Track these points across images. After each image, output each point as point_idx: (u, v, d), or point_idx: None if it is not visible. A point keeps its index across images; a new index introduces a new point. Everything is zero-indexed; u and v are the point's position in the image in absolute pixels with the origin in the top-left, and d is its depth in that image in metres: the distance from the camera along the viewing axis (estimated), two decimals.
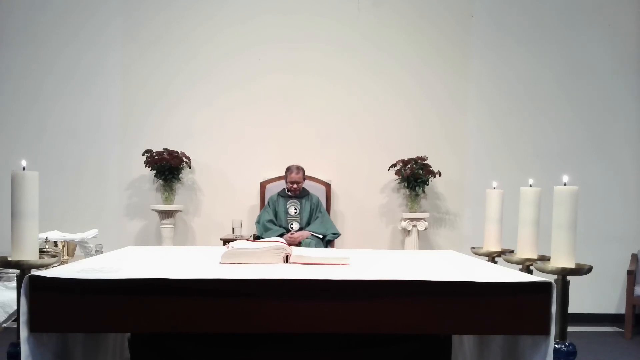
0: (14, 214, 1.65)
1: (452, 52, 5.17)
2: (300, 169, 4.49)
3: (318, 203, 4.56)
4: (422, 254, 2.67)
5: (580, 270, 1.77)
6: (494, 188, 2.38)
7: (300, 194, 4.53)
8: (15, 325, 1.58)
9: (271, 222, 4.41)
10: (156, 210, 4.81)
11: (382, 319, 1.64)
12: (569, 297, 1.75)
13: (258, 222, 4.45)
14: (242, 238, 4.32)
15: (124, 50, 5.00)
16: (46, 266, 1.68)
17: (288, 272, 1.71)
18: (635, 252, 5.10)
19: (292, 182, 4.46)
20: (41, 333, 1.62)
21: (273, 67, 5.04)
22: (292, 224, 4.44)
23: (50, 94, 4.96)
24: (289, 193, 4.52)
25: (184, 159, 4.82)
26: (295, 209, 4.49)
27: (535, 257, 2.08)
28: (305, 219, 4.45)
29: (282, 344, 1.89)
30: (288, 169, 4.52)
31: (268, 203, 4.54)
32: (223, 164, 5.05)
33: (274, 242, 2.06)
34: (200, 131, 5.02)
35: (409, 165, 4.86)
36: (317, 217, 4.47)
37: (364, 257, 2.32)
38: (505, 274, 1.81)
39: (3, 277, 2.69)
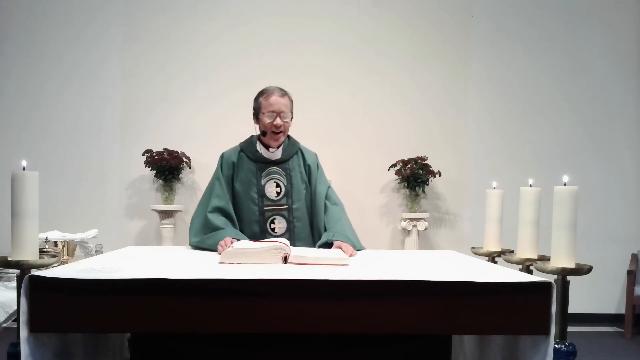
0: (14, 214, 1.64)
1: (451, 52, 5.17)
2: (285, 93, 2.56)
3: (317, 167, 2.64)
4: (422, 254, 2.67)
5: (580, 270, 1.77)
6: (494, 188, 2.38)
7: (284, 152, 2.58)
8: (15, 325, 1.58)
9: (216, 221, 2.41)
10: (156, 210, 4.81)
11: (382, 319, 1.64)
12: (569, 297, 1.75)
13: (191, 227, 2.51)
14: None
15: (124, 52, 5.01)
16: (46, 266, 1.68)
17: (288, 272, 1.71)
18: (635, 252, 5.10)
19: (274, 115, 2.46)
20: (41, 333, 1.62)
21: (273, 68, 5.04)
22: (273, 219, 2.50)
23: (51, 96, 4.97)
24: (267, 149, 2.54)
25: (184, 159, 4.82)
26: (278, 185, 2.53)
27: (535, 257, 2.08)
28: (300, 208, 2.54)
29: (282, 344, 1.89)
30: (262, 92, 2.56)
31: (219, 170, 2.59)
32: None
33: (273, 242, 2.06)
34: (200, 131, 5.02)
35: (409, 166, 4.86)
36: (327, 206, 2.54)
37: (364, 257, 2.32)
38: (505, 274, 1.80)
39: (3, 277, 2.69)
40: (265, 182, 2.53)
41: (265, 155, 2.56)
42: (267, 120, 2.49)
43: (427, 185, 4.92)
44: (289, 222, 2.52)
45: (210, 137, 5.03)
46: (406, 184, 4.91)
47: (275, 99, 2.49)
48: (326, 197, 2.60)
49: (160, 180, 4.83)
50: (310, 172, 2.61)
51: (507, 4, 5.20)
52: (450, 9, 5.16)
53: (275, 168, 2.54)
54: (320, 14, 5.09)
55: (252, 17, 5.05)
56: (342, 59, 5.08)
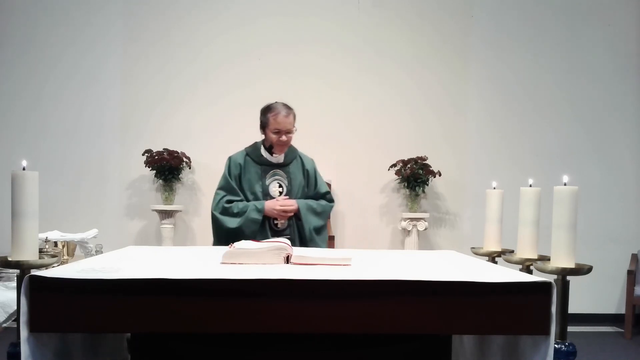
0: (14, 214, 1.64)
1: (451, 52, 5.18)
2: (291, 111, 2.83)
3: (314, 172, 2.98)
4: (422, 254, 2.67)
5: (580, 270, 1.76)
6: (494, 188, 2.38)
7: (286, 157, 2.92)
8: (15, 325, 1.58)
9: (230, 204, 2.78)
10: (156, 210, 4.81)
11: (382, 319, 1.64)
12: (569, 297, 1.75)
13: (217, 216, 2.83)
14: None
15: (124, 52, 5.01)
16: (46, 266, 1.68)
17: (288, 272, 1.71)
18: (635, 252, 5.10)
19: (279, 132, 2.76)
20: (41, 333, 1.62)
21: (273, 68, 5.05)
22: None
23: (51, 95, 4.97)
24: (270, 154, 2.87)
25: (184, 159, 4.82)
26: (281, 186, 2.87)
27: (535, 257, 2.07)
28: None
29: (283, 344, 1.89)
30: (269, 109, 2.81)
31: (227, 173, 2.89)
32: (223, 164, 5.03)
33: (275, 242, 2.06)
34: (200, 131, 5.02)
35: (409, 165, 4.87)
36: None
37: (364, 257, 2.32)
38: (505, 274, 1.80)
39: (3, 277, 2.69)
40: (270, 182, 2.86)
41: (269, 159, 2.88)
42: (273, 136, 2.80)
43: (427, 185, 4.92)
44: (289, 218, 2.84)
45: (210, 137, 5.03)
46: (406, 184, 4.92)
47: (282, 120, 2.77)
48: (325, 194, 2.98)
49: (160, 180, 4.83)
50: (308, 176, 2.95)
51: (507, 4, 5.20)
52: (450, 9, 5.16)
53: (278, 170, 2.89)
54: (320, 14, 5.08)
55: (252, 17, 5.05)
56: (342, 59, 5.08)
